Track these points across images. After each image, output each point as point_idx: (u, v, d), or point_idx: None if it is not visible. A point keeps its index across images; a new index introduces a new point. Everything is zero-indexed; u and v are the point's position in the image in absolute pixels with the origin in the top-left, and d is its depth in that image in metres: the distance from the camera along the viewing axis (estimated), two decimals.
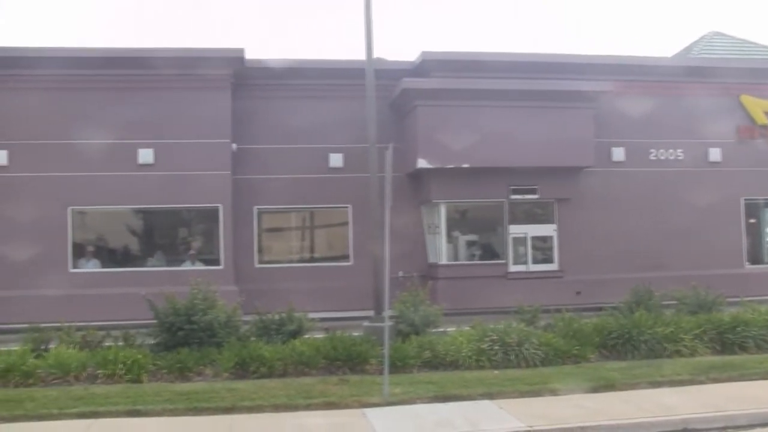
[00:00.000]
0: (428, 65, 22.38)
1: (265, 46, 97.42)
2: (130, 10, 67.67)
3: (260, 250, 22.51)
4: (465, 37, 72.91)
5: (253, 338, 14.41)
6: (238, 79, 21.65)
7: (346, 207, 22.57)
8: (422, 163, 21.52)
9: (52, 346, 13.70)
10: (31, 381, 12.33)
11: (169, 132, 21.08)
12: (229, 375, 12.79)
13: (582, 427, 9.97)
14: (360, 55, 16.95)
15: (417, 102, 21.61)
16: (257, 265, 22.21)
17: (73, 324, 14.37)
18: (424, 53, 22.43)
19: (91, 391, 11.73)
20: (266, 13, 76.55)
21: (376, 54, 17.30)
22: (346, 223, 22.77)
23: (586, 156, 22.19)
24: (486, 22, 75.67)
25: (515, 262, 22.56)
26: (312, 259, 23.25)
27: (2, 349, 13.36)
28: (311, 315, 15.41)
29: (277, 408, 10.91)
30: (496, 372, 13.05)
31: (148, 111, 21.06)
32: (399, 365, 13.03)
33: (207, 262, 21.40)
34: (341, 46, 72.93)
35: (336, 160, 22.41)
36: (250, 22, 75.52)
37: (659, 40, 76.15)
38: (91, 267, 21.12)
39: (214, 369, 12.98)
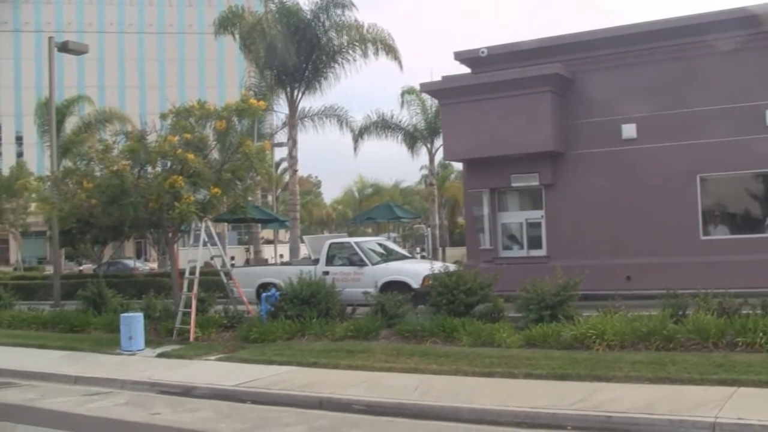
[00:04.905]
0: None
1: None
2: None
3: None
4: None
5: None
6: None
7: None
8: None
9: (688, 312, 14.09)
10: (671, 345, 12.88)
11: None
12: None
13: None
14: None
15: None
16: None
17: (707, 290, 14.53)
18: None
19: (731, 358, 11.79)
20: None
21: None
22: None
23: None
24: None
25: None
26: None
27: (643, 313, 14.22)
28: None
29: None
30: None
31: None
32: None
33: None
34: None
35: None
36: None
37: None
38: (720, 234, 21.13)
39: None
